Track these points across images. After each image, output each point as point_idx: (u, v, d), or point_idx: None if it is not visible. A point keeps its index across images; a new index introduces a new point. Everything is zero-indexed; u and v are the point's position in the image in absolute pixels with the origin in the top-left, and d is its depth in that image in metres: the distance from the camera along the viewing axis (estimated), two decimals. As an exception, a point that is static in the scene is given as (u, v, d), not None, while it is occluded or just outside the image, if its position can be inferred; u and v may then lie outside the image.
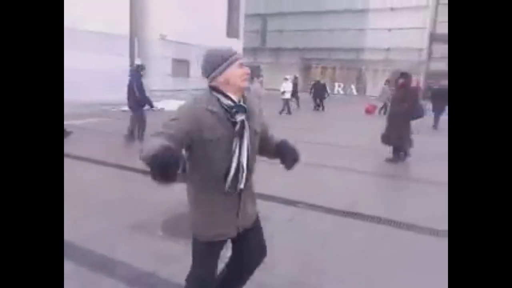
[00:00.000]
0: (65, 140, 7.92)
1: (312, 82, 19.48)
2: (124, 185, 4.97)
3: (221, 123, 1.69)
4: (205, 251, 1.96)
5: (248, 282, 2.12)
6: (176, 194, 4.55)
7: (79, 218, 3.63)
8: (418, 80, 25.86)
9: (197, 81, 19.09)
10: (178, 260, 3.04)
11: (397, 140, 6.76)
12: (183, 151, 1.74)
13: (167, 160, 1.38)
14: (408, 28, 29.47)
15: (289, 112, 14.56)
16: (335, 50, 32.69)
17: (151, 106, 7.75)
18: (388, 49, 30.65)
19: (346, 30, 32.09)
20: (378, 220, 4.04)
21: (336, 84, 34.00)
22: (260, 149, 1.91)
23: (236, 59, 1.74)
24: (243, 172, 1.75)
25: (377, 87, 31.75)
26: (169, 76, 17.52)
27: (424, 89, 30.69)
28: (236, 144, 1.72)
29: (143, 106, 7.62)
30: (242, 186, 1.78)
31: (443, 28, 30.03)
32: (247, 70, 1.78)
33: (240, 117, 1.71)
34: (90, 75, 13.42)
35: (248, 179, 1.81)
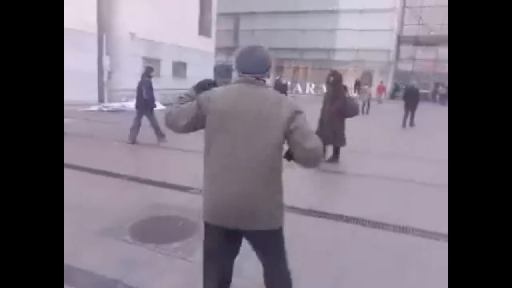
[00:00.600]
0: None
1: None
2: (90, 189, 4.75)
3: None
4: None
5: None
6: (144, 197, 4.45)
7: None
8: (382, 81, 26.56)
9: (167, 80, 18.78)
10: (146, 266, 2.93)
11: (332, 137, 6.61)
12: None
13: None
14: (377, 30, 30.24)
15: None
16: (306, 50, 33.06)
17: (152, 107, 8.03)
18: (358, 50, 31.31)
19: (317, 30, 32.52)
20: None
21: (308, 84, 34.41)
22: None
23: None
24: None
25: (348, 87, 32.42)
26: (139, 75, 17.06)
27: (392, 88, 31.66)
28: None
29: (152, 107, 7.93)
30: None
31: (410, 31, 31.08)
32: None
33: None
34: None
35: None
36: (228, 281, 2.05)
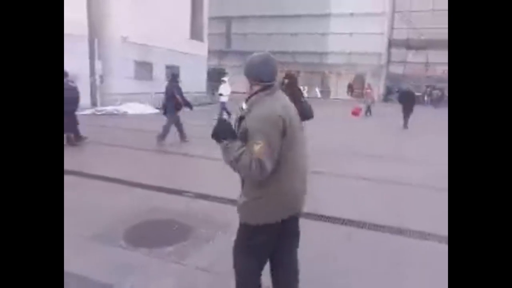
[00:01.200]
0: (80, 145, 7.56)
1: None
2: (84, 193, 4.72)
3: None
4: None
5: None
6: (139, 202, 4.44)
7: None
8: (369, 84, 26.47)
9: (160, 84, 18.74)
10: (140, 271, 2.92)
11: None
12: None
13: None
14: (368, 34, 30.51)
15: (228, 115, 12.59)
16: (299, 53, 33.21)
17: (191, 108, 8.74)
18: (350, 53, 31.54)
19: (309, 34, 32.70)
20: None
21: (301, 88, 34.53)
22: None
23: None
24: None
25: (341, 89, 32.66)
26: (131, 79, 17.00)
27: (384, 91, 31.94)
28: None
29: (179, 110, 8.57)
30: None
31: (400, 34, 31.45)
32: None
33: None
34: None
35: None
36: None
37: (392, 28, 31.93)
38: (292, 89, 6.69)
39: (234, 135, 1.93)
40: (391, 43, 31.89)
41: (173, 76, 9.03)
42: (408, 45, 31.39)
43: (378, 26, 30.74)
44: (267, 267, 2.20)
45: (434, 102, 28.48)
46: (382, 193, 5.37)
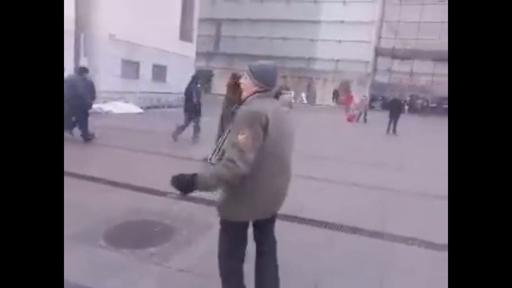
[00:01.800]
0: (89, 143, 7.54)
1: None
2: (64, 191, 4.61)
3: None
4: None
5: None
6: (120, 201, 4.37)
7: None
8: (350, 92, 26.73)
9: (147, 83, 18.56)
10: (120, 272, 2.86)
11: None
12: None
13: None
14: (356, 41, 30.94)
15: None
16: (287, 58, 33.40)
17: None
18: (337, 60, 31.91)
19: (298, 39, 32.94)
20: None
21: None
22: None
23: None
24: None
25: (327, 95, 32.95)
26: (118, 77, 16.77)
27: (370, 99, 32.40)
28: None
29: (199, 110, 9.11)
30: None
31: (387, 43, 32.05)
32: None
33: None
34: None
35: None
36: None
37: (379, 37, 32.49)
38: (236, 90, 6.39)
39: (193, 179, 1.94)
40: (378, 52, 32.43)
41: (193, 78, 9.53)
42: (394, 54, 31.97)
43: (366, 35, 31.23)
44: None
45: (418, 111, 29.17)
46: (374, 199, 5.43)
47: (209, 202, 4.42)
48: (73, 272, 2.76)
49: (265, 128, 1.93)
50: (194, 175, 1.95)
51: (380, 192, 5.80)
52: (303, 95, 33.82)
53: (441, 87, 31.15)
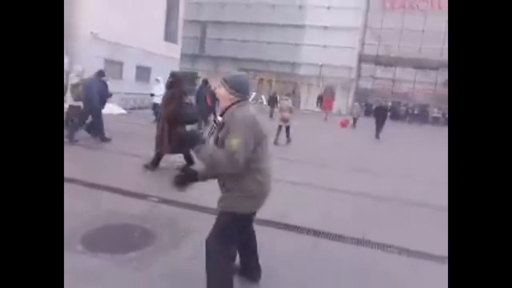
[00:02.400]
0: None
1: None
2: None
3: None
4: None
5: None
6: (98, 204, 4.25)
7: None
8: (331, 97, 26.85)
9: (130, 84, 18.27)
10: (99, 278, 2.77)
11: (166, 146, 6.06)
12: None
13: None
14: (340, 47, 31.31)
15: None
16: (272, 62, 33.54)
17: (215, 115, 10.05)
18: (321, 66, 32.22)
19: (282, 44, 33.12)
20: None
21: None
22: None
23: None
24: None
25: (311, 100, 33.22)
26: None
27: (352, 105, 32.83)
28: None
29: (210, 112, 9.93)
30: None
31: (370, 50, 32.57)
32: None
33: None
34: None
35: None
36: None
37: (363, 43, 32.98)
38: (174, 90, 6.31)
39: (201, 142, 2.26)
40: (362, 58, 32.90)
41: (203, 81, 10.80)
42: (377, 61, 32.50)
43: (350, 41, 31.63)
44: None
45: (401, 117, 29.79)
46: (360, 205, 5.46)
47: (190, 206, 4.38)
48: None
49: (256, 134, 2.23)
50: (203, 142, 2.27)
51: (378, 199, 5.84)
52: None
53: (422, 95, 31.85)
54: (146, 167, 6.22)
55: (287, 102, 11.35)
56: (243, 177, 2.27)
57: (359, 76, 33.53)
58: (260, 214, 4.18)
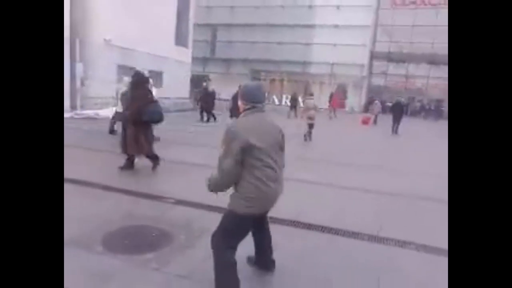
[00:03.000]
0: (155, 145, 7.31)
1: (197, 90, 16.57)
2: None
3: None
4: None
5: None
6: (119, 207, 4.33)
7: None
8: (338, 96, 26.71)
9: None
10: (118, 278, 2.83)
11: (134, 147, 5.98)
12: None
13: None
14: (351, 45, 31.07)
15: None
16: (283, 62, 33.49)
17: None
18: (333, 64, 32.03)
19: (293, 44, 33.05)
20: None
21: (284, 96, 34.79)
22: None
23: None
24: None
25: (323, 99, 33.10)
26: (113, 82, 16.71)
27: (365, 102, 32.50)
28: None
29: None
30: None
31: (382, 47, 32.23)
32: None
33: None
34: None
35: None
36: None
37: (374, 40, 32.67)
38: (137, 89, 6.12)
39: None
40: (373, 55, 32.58)
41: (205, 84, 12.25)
42: (389, 57, 32.14)
43: (361, 38, 31.36)
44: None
45: (416, 113, 29.46)
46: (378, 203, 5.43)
47: (207, 207, 4.42)
48: (70, 278, 2.73)
49: (253, 138, 2.35)
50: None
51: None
52: (300, 98, 33.61)
53: (436, 90, 31.33)
54: (121, 168, 6.11)
55: (312, 101, 12.07)
56: (241, 180, 2.42)
57: (371, 73, 33.22)
58: (276, 213, 4.22)
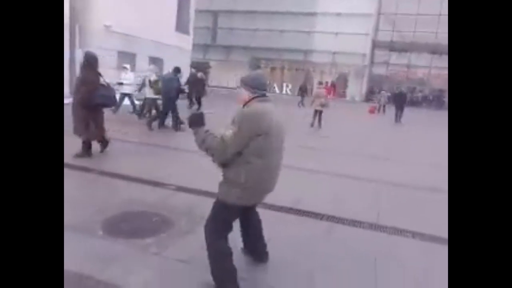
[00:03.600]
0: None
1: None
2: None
3: None
4: None
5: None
6: (118, 192, 4.37)
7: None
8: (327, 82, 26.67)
9: (143, 75, 18.40)
10: (118, 261, 2.87)
11: (85, 131, 5.80)
12: None
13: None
14: (353, 34, 30.81)
15: (134, 108, 12.06)
16: (284, 50, 33.26)
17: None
18: (334, 53, 31.81)
19: (294, 32, 32.77)
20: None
21: (284, 85, 34.66)
22: None
23: None
24: None
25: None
26: (113, 69, 16.61)
27: (366, 91, 32.38)
28: None
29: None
30: None
31: (384, 36, 31.95)
32: None
33: None
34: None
35: None
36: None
37: (376, 29, 32.37)
38: (87, 72, 5.89)
39: (201, 124, 2.43)
40: (375, 44, 32.33)
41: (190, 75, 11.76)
42: (392, 47, 31.90)
43: (363, 27, 31.11)
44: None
45: (417, 103, 29.38)
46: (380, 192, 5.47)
47: (207, 194, 4.45)
48: (71, 261, 2.77)
49: (257, 129, 2.29)
50: (202, 125, 2.44)
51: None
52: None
53: (438, 80, 31.18)
54: (77, 155, 5.80)
55: (322, 90, 13.18)
56: (232, 168, 2.38)
57: (372, 62, 33.01)
58: (275, 201, 4.24)
